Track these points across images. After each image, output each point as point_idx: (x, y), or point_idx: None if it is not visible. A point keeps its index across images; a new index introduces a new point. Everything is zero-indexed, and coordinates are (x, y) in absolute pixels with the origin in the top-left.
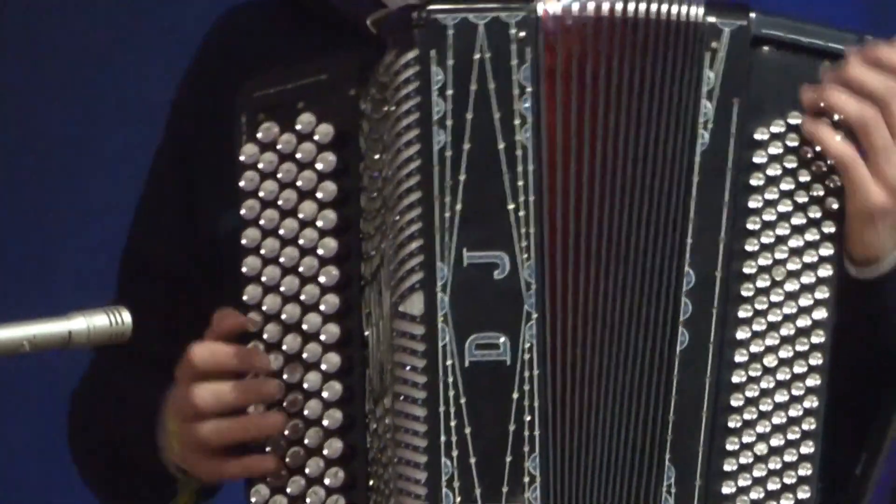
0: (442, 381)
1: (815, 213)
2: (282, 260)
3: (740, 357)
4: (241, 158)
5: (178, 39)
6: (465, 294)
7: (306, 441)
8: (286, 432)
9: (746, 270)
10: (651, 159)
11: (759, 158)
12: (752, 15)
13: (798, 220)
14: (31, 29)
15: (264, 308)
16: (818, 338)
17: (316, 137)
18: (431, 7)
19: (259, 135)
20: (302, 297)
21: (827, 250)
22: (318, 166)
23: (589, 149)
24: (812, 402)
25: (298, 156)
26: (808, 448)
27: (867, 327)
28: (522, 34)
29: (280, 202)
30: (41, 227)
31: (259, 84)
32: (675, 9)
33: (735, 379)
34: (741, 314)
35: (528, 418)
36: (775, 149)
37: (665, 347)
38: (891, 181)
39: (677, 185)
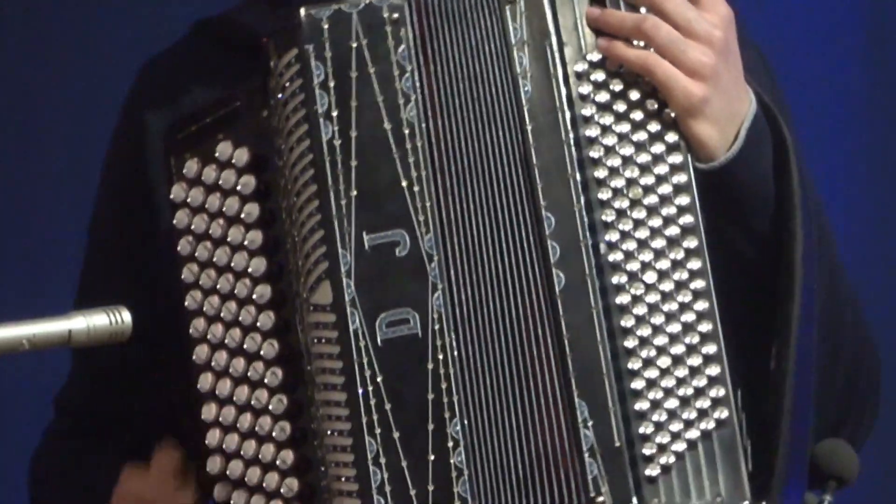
0: (357, 364)
1: (654, 126)
2: (219, 288)
3: (619, 278)
4: (171, 198)
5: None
6: (370, 276)
7: (260, 457)
8: (241, 452)
9: (602, 196)
10: (484, 119)
11: (584, 89)
12: None
13: (639, 136)
14: (29, 28)
15: (209, 338)
16: (691, 243)
17: (234, 163)
18: (306, 7)
19: (184, 173)
20: (241, 320)
21: (676, 157)
22: (240, 190)
23: (445, 120)
24: (702, 305)
25: (221, 184)
26: (710, 348)
27: (733, 216)
28: (395, 16)
29: (211, 233)
30: (40, 227)
31: (180, 125)
32: None
33: (620, 300)
34: (609, 238)
35: (445, 385)
36: (598, 76)
37: (546, 293)
38: (696, 68)
39: (514, 138)
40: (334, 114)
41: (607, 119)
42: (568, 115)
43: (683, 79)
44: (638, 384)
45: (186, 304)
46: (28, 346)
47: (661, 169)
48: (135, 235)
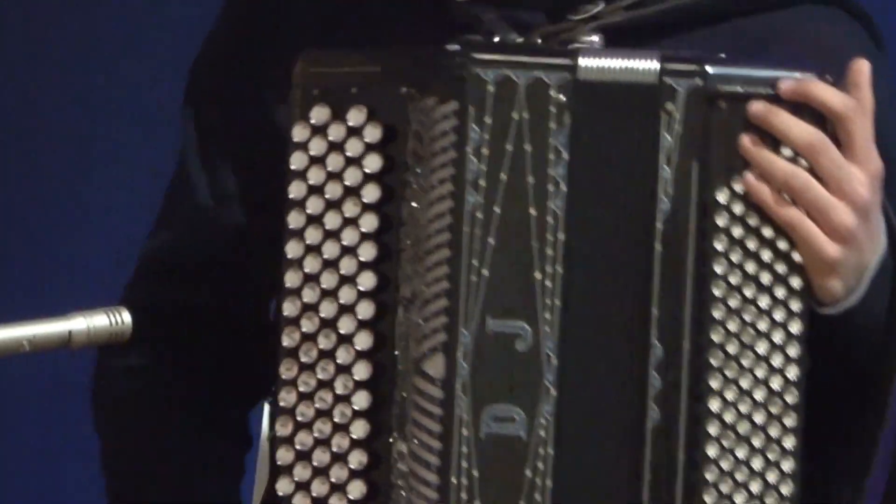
0: (455, 451)
1: (781, 268)
2: (323, 252)
3: (713, 429)
4: (293, 137)
5: (177, 39)
6: (486, 363)
7: (333, 448)
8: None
9: (714, 337)
10: (617, 227)
11: (721, 220)
12: (710, 70)
13: (765, 278)
14: (29, 28)
15: (303, 295)
16: (792, 398)
17: (365, 137)
18: (474, 56)
19: (311, 118)
20: (340, 299)
21: (797, 305)
22: (365, 167)
23: (582, 219)
24: (789, 465)
25: (347, 151)
26: None
27: (839, 359)
28: (562, 98)
29: (326, 193)
30: (40, 227)
31: (314, 61)
32: (630, 64)
33: (710, 452)
34: (712, 384)
35: (539, 498)
36: (737, 208)
37: (638, 429)
38: (838, 230)
39: (641, 258)
40: (482, 183)
41: (737, 256)
42: (699, 246)
43: (822, 239)
44: None
45: (287, 252)
46: (28, 347)
47: (779, 315)
48: (242, 127)
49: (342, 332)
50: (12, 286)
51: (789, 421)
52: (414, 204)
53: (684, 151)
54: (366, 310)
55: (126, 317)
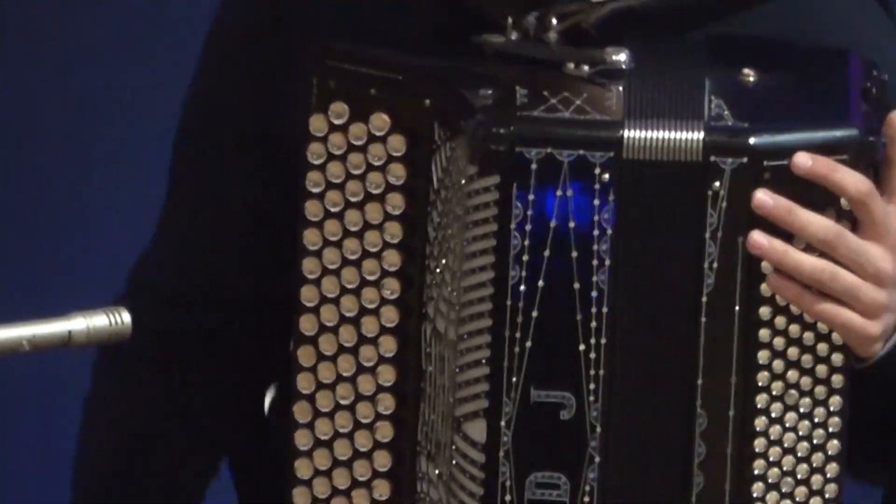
0: None
1: (823, 348)
2: (343, 249)
3: (756, 492)
4: (310, 127)
5: (178, 39)
6: (529, 431)
7: (356, 446)
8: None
9: (759, 404)
10: (661, 301)
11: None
12: (753, 143)
13: (808, 338)
14: (30, 28)
15: (321, 288)
16: (833, 449)
17: (388, 147)
18: (516, 131)
19: (330, 112)
20: (362, 299)
21: (838, 358)
22: (388, 176)
23: (627, 294)
24: None
25: (370, 157)
26: None
27: (872, 404)
28: (606, 176)
29: (347, 191)
30: (41, 227)
31: (332, 52)
32: (674, 135)
33: None
34: (757, 448)
35: None
36: None
37: (682, 490)
38: (871, 309)
39: (686, 328)
40: (525, 258)
41: (781, 322)
42: (744, 316)
43: (859, 322)
44: None
45: (304, 241)
46: (28, 347)
47: (821, 371)
48: (257, 109)
49: (364, 333)
50: (12, 286)
51: (831, 471)
52: (442, 223)
53: (729, 225)
54: (390, 315)
55: (126, 317)
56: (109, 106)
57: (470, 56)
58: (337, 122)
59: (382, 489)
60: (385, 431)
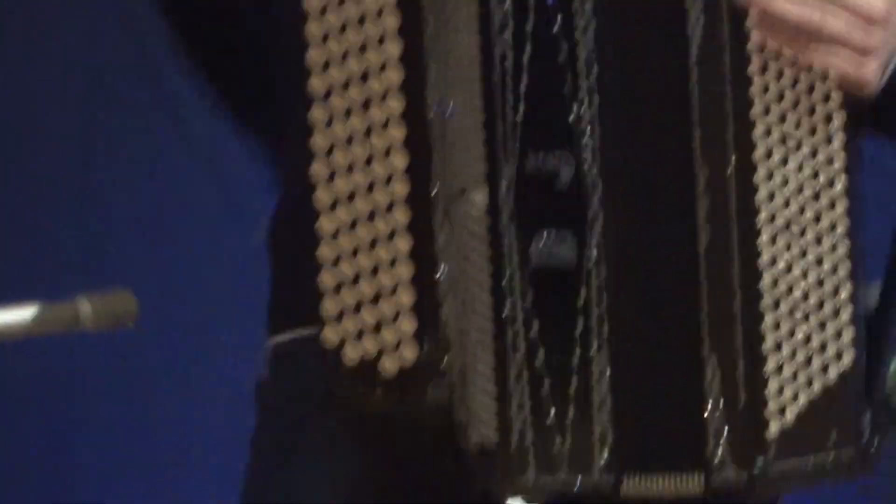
0: (507, 284)
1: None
2: (347, 95)
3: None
4: None
5: None
6: (532, 193)
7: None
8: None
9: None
10: (649, 66)
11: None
12: None
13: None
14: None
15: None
16: (843, 275)
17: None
18: None
19: None
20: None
21: (839, 162)
22: (384, 22)
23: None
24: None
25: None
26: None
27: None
28: None
29: (346, 22)
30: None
31: None
32: None
33: (766, 301)
34: (762, 239)
35: (597, 315)
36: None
37: (687, 246)
38: (863, 50)
39: (674, 93)
40: (508, 33)
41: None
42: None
43: (852, 64)
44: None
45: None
46: (35, 329)
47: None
48: None
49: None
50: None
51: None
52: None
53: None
54: (395, 104)
55: (132, 302)
56: (110, 103)
57: None
58: None
59: (403, 244)
60: (400, 188)
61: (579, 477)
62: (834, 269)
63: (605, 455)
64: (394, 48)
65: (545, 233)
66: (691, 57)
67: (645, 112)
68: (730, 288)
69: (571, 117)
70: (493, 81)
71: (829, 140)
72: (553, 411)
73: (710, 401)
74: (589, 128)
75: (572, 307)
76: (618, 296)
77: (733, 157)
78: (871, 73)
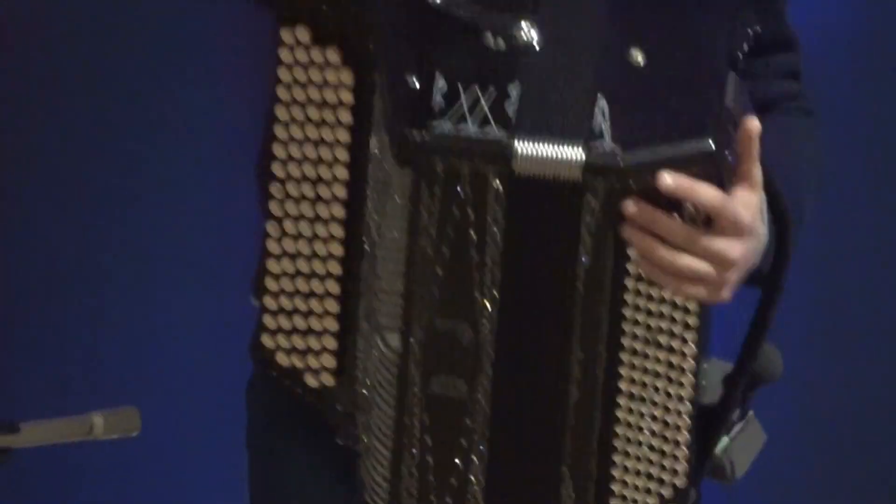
0: (407, 408)
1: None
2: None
3: (622, 404)
4: (280, 35)
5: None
6: (435, 350)
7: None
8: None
9: (625, 343)
10: (543, 277)
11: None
12: (623, 166)
13: (666, 310)
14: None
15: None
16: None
17: (338, 77)
18: (429, 148)
19: (296, 31)
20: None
21: (693, 320)
22: (339, 98)
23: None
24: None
25: (324, 77)
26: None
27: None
28: (498, 183)
29: (308, 95)
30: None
31: None
32: (559, 153)
33: (620, 414)
34: (622, 372)
35: (477, 442)
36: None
37: (560, 400)
38: (721, 286)
39: (564, 290)
40: (432, 232)
41: (642, 302)
42: (614, 285)
43: (709, 296)
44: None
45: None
46: (56, 439)
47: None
48: None
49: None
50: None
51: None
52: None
53: (603, 227)
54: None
55: (136, 419)
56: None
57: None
58: (301, 41)
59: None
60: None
61: None
62: (676, 426)
63: None
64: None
65: (442, 377)
66: (579, 269)
67: (534, 302)
68: (590, 441)
69: (476, 295)
70: (416, 262)
71: (683, 355)
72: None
73: None
74: (489, 304)
75: (459, 431)
76: (497, 428)
77: (602, 348)
78: (726, 297)
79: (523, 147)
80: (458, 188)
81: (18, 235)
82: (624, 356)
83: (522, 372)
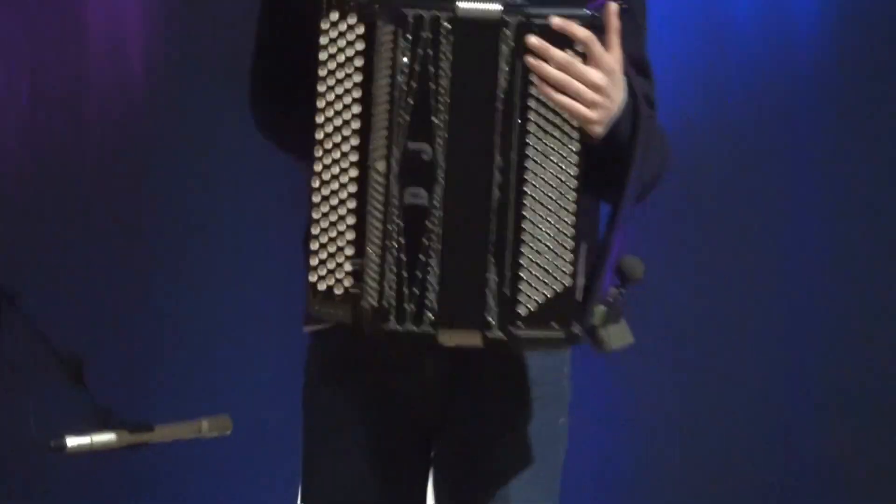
0: (388, 217)
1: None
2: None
3: (528, 202)
4: (321, 23)
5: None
6: (407, 165)
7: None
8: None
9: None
10: (476, 98)
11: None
12: (527, 11)
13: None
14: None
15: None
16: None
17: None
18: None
19: (330, 15)
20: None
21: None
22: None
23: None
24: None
25: (342, 47)
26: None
27: (602, 157)
28: (447, 24)
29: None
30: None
31: None
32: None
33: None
34: (532, 170)
35: (434, 241)
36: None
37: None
38: (591, 104)
39: (488, 109)
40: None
41: (543, 123)
42: (522, 109)
43: (583, 110)
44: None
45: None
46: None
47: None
48: None
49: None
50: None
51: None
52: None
53: (515, 56)
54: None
55: (228, 424)
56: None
57: None
58: (333, 20)
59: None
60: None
61: (413, 328)
62: (567, 221)
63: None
64: (357, 92)
65: (411, 188)
66: (499, 91)
67: (471, 122)
68: (506, 234)
69: (433, 119)
70: (393, 100)
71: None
72: (406, 293)
73: (490, 296)
74: (441, 130)
75: (423, 233)
76: (447, 228)
77: (514, 154)
78: (595, 118)
79: (463, 3)
80: (422, 33)
81: (162, 262)
82: (528, 163)
83: (463, 180)
